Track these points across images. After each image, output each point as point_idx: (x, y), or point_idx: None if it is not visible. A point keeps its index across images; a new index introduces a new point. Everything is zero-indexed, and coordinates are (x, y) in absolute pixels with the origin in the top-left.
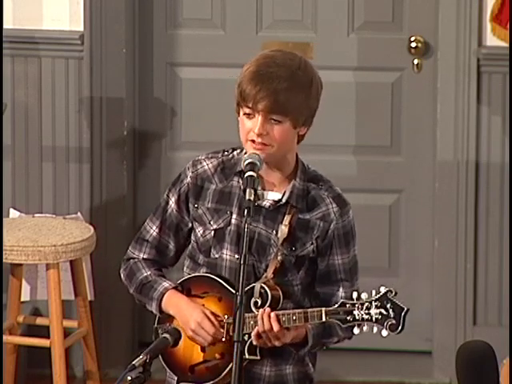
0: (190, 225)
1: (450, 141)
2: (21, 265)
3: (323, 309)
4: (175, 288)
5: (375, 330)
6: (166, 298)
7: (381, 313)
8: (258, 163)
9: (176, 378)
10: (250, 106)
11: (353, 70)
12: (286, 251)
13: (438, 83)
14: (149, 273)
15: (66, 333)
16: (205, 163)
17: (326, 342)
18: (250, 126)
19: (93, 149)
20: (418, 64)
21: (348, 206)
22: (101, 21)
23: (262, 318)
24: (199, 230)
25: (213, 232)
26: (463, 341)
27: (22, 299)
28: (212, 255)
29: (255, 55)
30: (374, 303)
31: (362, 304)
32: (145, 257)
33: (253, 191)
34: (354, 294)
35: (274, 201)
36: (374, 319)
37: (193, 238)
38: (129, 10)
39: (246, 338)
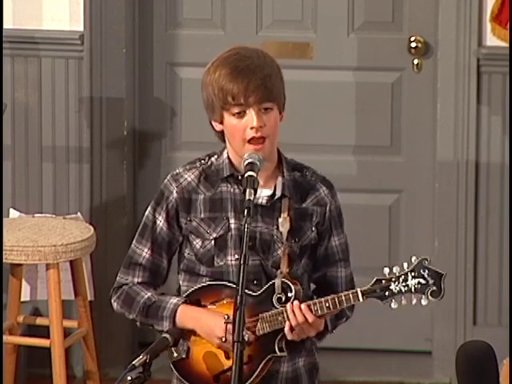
0: (181, 239)
1: (450, 141)
2: (21, 265)
3: (359, 290)
4: (185, 302)
5: (414, 301)
6: (179, 314)
7: (419, 282)
8: (258, 163)
9: None
10: (242, 102)
11: (353, 70)
12: (290, 243)
13: (438, 83)
14: (149, 294)
15: (66, 333)
16: (186, 175)
17: (338, 324)
18: (244, 123)
19: (93, 149)
20: (417, 64)
21: (334, 187)
22: (101, 21)
23: (294, 312)
24: (197, 242)
25: (213, 241)
26: (463, 341)
27: (22, 299)
28: (216, 263)
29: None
30: (410, 274)
31: (398, 277)
32: (139, 280)
33: (253, 191)
34: (386, 270)
35: (269, 197)
36: (413, 289)
37: (187, 251)
38: (129, 10)
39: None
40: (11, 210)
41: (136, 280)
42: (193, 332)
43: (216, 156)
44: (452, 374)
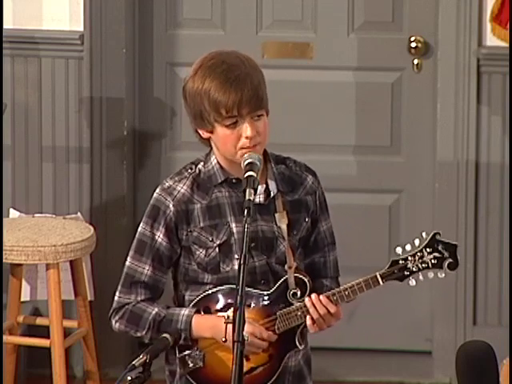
0: (179, 251)
1: (450, 141)
2: (21, 265)
3: (377, 273)
4: (196, 312)
5: (431, 275)
6: (195, 325)
7: (435, 257)
8: (258, 163)
9: None
10: (235, 114)
11: (353, 70)
12: (291, 237)
13: (438, 83)
14: (157, 309)
15: (66, 333)
16: (179, 187)
17: None
18: (237, 133)
19: (93, 149)
20: (417, 64)
21: (316, 172)
22: (101, 21)
23: (315, 306)
24: (201, 252)
25: (217, 248)
26: (463, 341)
27: (22, 299)
28: (222, 269)
29: (208, 69)
30: (425, 250)
31: (414, 255)
32: (142, 298)
33: (253, 191)
34: (398, 249)
35: (265, 194)
36: (430, 265)
37: (187, 261)
38: (129, 10)
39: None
40: (11, 210)
41: (139, 298)
42: (204, 339)
43: (202, 163)
44: (452, 374)
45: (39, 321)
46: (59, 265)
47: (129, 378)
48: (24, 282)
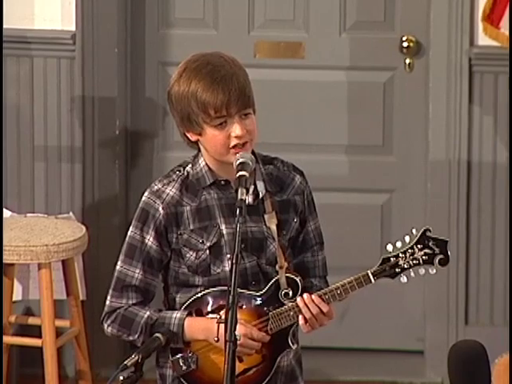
0: (169, 254)
1: (442, 140)
2: (13, 264)
3: (369, 271)
4: (188, 314)
5: (422, 271)
6: (188, 327)
7: (426, 253)
8: (250, 163)
9: None
10: (224, 114)
11: (345, 69)
12: (281, 237)
13: (430, 83)
14: (148, 313)
15: (58, 332)
16: (168, 190)
17: None
18: (226, 133)
19: (85, 148)
20: (409, 64)
21: (303, 172)
22: (93, 20)
23: (307, 305)
24: (191, 254)
25: (208, 250)
26: (455, 340)
27: (14, 299)
28: (213, 271)
29: (195, 72)
30: (416, 247)
31: (405, 252)
32: (133, 302)
33: (245, 191)
34: (389, 247)
35: (254, 195)
36: (421, 261)
37: (176, 264)
38: (121, 10)
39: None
40: (3, 210)
41: (130, 302)
42: (196, 342)
43: (190, 165)
44: (444, 374)
45: (31, 320)
46: (51, 264)
47: (121, 377)
48: (16, 282)
